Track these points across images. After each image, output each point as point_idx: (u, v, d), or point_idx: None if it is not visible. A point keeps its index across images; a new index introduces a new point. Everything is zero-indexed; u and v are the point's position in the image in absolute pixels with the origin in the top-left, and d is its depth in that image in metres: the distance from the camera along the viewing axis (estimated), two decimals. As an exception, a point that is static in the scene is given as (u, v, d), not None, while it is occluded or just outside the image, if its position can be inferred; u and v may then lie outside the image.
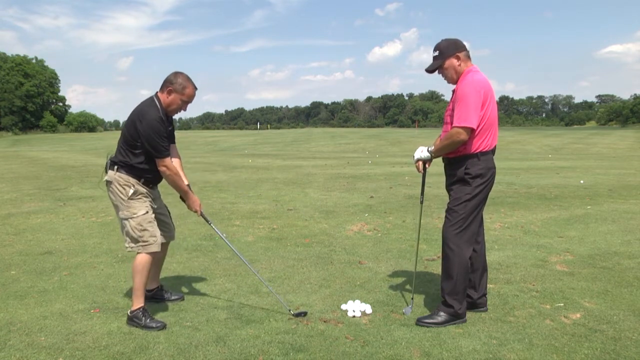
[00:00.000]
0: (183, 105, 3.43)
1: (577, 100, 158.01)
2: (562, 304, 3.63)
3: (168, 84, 3.35)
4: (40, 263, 4.82)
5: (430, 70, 3.40)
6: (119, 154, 3.41)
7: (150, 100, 3.39)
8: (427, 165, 3.52)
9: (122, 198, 3.36)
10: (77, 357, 2.86)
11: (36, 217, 7.33)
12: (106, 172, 3.45)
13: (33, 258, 5.01)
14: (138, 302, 3.34)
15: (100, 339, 3.09)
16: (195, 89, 3.44)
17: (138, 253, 3.37)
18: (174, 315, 3.47)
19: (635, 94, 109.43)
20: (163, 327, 3.24)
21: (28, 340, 3.08)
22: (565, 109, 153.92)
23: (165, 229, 3.66)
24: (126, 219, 3.36)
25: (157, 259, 3.69)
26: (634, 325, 3.24)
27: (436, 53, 3.37)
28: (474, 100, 3.16)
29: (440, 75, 3.42)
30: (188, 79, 3.39)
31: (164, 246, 3.72)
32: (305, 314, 3.44)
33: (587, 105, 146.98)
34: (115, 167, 3.39)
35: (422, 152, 3.47)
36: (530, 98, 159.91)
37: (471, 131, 3.17)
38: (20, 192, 10.11)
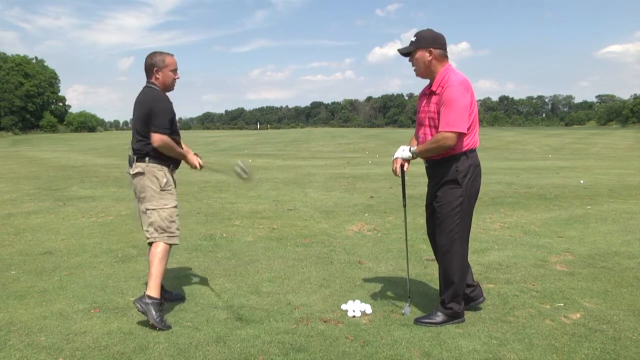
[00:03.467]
0: (174, 75, 3.54)
1: (577, 100, 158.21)
2: (562, 304, 3.63)
3: (152, 67, 3.47)
4: (40, 263, 4.82)
5: (402, 52, 3.29)
6: (144, 146, 3.44)
7: (148, 89, 3.50)
8: (405, 168, 3.43)
9: (153, 189, 3.43)
10: (77, 357, 2.86)
11: (36, 217, 7.33)
12: (131, 165, 3.48)
13: (33, 258, 5.01)
14: (157, 291, 3.35)
15: (100, 339, 3.09)
16: (172, 55, 3.54)
17: (158, 242, 3.43)
18: (174, 315, 3.47)
19: (635, 94, 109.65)
20: (168, 328, 3.24)
21: (28, 340, 3.08)
22: (565, 109, 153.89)
23: None
24: (155, 209, 3.43)
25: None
26: (634, 325, 3.24)
27: (413, 39, 3.26)
28: (464, 104, 3.10)
29: (411, 64, 3.31)
30: (161, 52, 3.52)
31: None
32: None
33: (587, 105, 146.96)
34: (147, 157, 3.44)
35: (403, 151, 3.37)
36: (530, 98, 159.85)
37: (460, 135, 3.12)
38: (20, 192, 10.10)
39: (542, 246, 5.34)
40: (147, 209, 3.45)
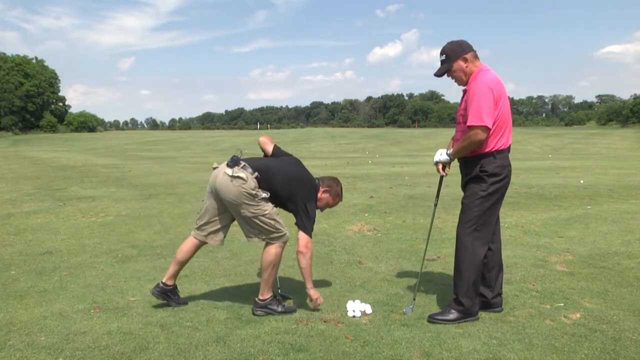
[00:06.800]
0: (324, 207, 3.77)
1: (577, 100, 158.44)
2: (562, 304, 3.63)
3: (328, 186, 3.71)
4: (40, 263, 4.82)
5: (438, 74, 3.40)
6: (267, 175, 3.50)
7: (314, 181, 3.70)
8: (447, 168, 3.52)
9: (251, 196, 3.39)
10: (77, 357, 2.86)
11: (36, 217, 7.33)
12: (232, 165, 3.45)
13: (33, 258, 5.01)
14: (269, 292, 3.49)
15: (100, 339, 3.09)
16: (341, 200, 3.85)
17: (269, 244, 3.47)
18: (174, 315, 3.47)
19: (635, 94, 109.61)
20: (294, 310, 3.52)
21: (28, 340, 3.08)
22: (565, 109, 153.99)
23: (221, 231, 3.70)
24: (256, 216, 3.42)
25: (184, 260, 3.71)
26: (634, 325, 3.24)
27: (443, 57, 3.36)
28: (486, 99, 3.14)
29: (450, 77, 3.41)
30: (341, 192, 3.81)
31: (195, 248, 3.76)
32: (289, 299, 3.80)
33: (587, 105, 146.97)
34: (255, 172, 3.44)
35: (441, 155, 3.46)
36: (530, 98, 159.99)
37: (487, 130, 3.14)
38: (20, 192, 10.11)
39: (542, 246, 5.34)
40: (246, 216, 3.43)
